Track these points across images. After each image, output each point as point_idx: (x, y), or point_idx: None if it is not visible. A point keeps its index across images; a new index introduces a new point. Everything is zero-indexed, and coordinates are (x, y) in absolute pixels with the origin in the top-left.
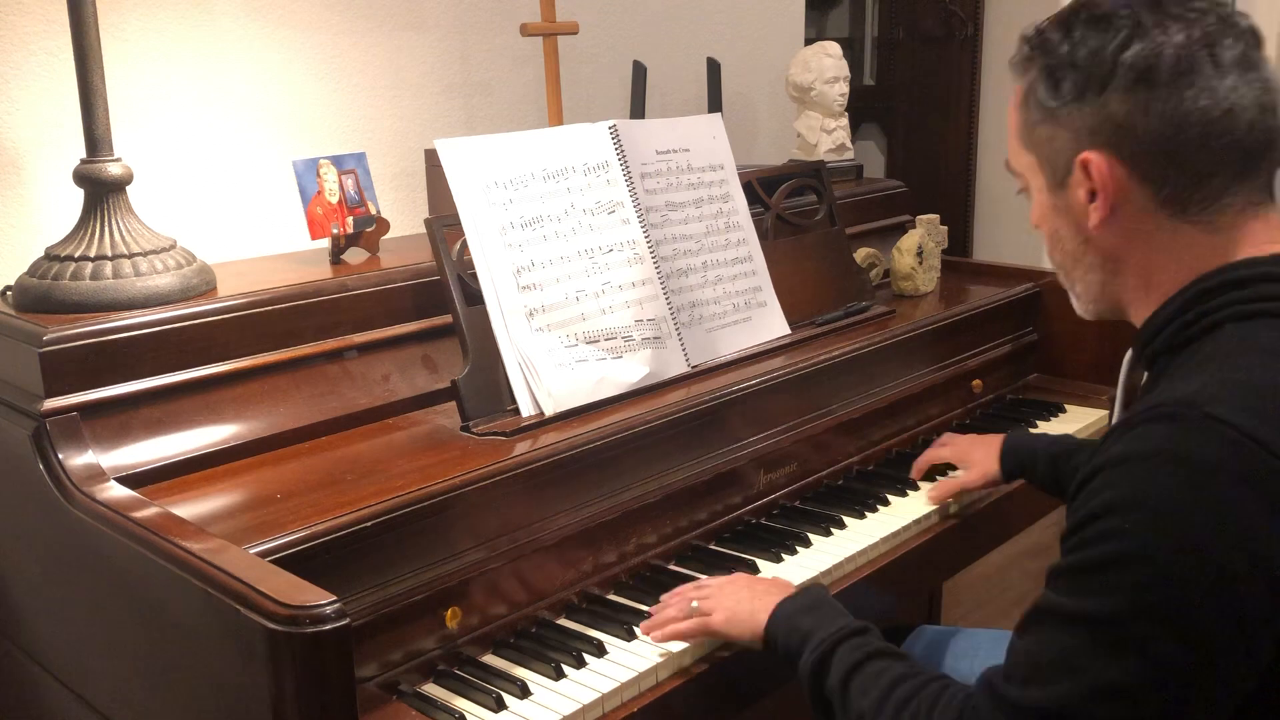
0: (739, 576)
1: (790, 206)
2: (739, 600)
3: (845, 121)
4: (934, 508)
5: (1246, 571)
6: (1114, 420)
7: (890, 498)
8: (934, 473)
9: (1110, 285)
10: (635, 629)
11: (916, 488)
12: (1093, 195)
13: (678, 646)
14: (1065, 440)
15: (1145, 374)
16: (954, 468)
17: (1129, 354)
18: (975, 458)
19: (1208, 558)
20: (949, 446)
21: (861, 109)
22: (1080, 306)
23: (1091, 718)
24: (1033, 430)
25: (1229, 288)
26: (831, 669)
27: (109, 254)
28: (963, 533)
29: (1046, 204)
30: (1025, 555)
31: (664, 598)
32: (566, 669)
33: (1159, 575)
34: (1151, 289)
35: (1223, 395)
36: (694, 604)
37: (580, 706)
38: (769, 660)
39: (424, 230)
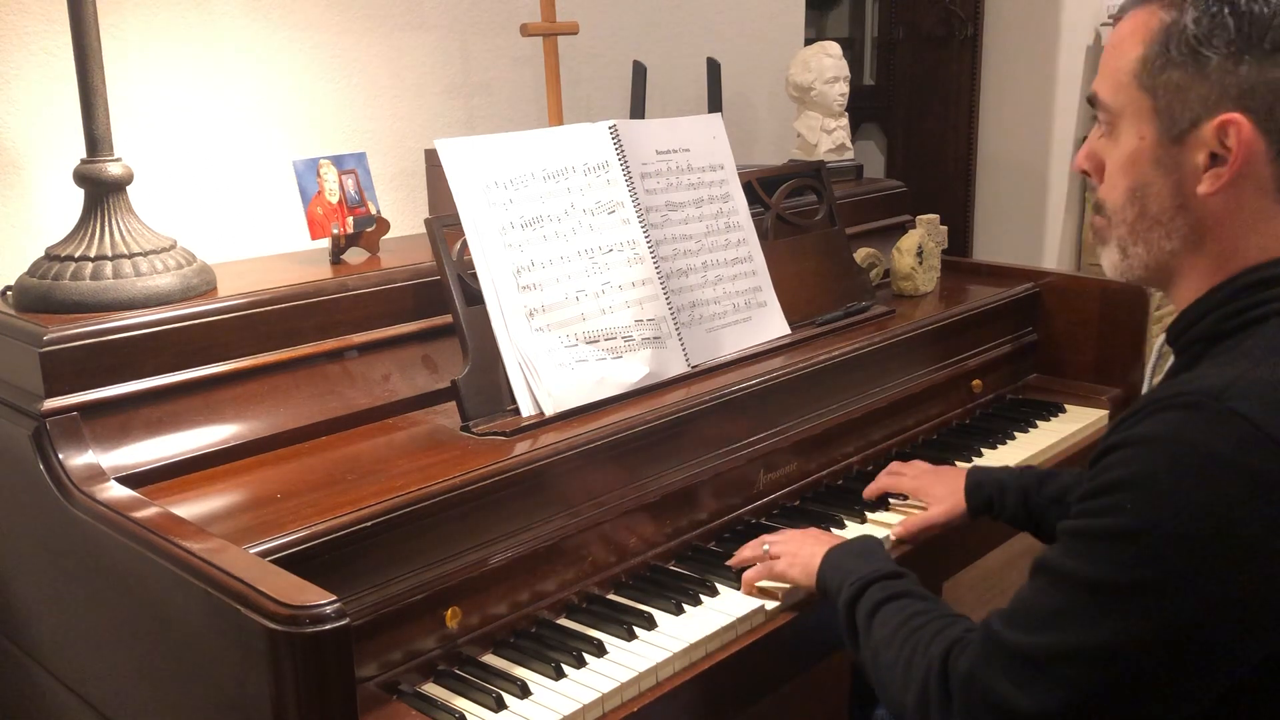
0: (808, 529)
1: (790, 206)
2: (801, 546)
3: (845, 121)
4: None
5: (1240, 567)
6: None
7: (890, 499)
8: (886, 497)
9: (1180, 256)
10: (635, 629)
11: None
12: (1214, 159)
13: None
14: (1033, 472)
15: (1173, 357)
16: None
17: (1160, 341)
18: (937, 494)
19: (1201, 548)
20: (906, 478)
21: (861, 109)
22: (1123, 267)
23: (1067, 672)
24: (1033, 430)
25: (1277, 281)
26: (861, 604)
27: (109, 254)
28: (963, 532)
29: (1145, 154)
30: (1024, 555)
31: (743, 548)
32: (566, 669)
33: (1152, 556)
34: (1217, 272)
35: (1250, 391)
36: (765, 547)
37: (580, 706)
38: (767, 657)
39: (424, 230)
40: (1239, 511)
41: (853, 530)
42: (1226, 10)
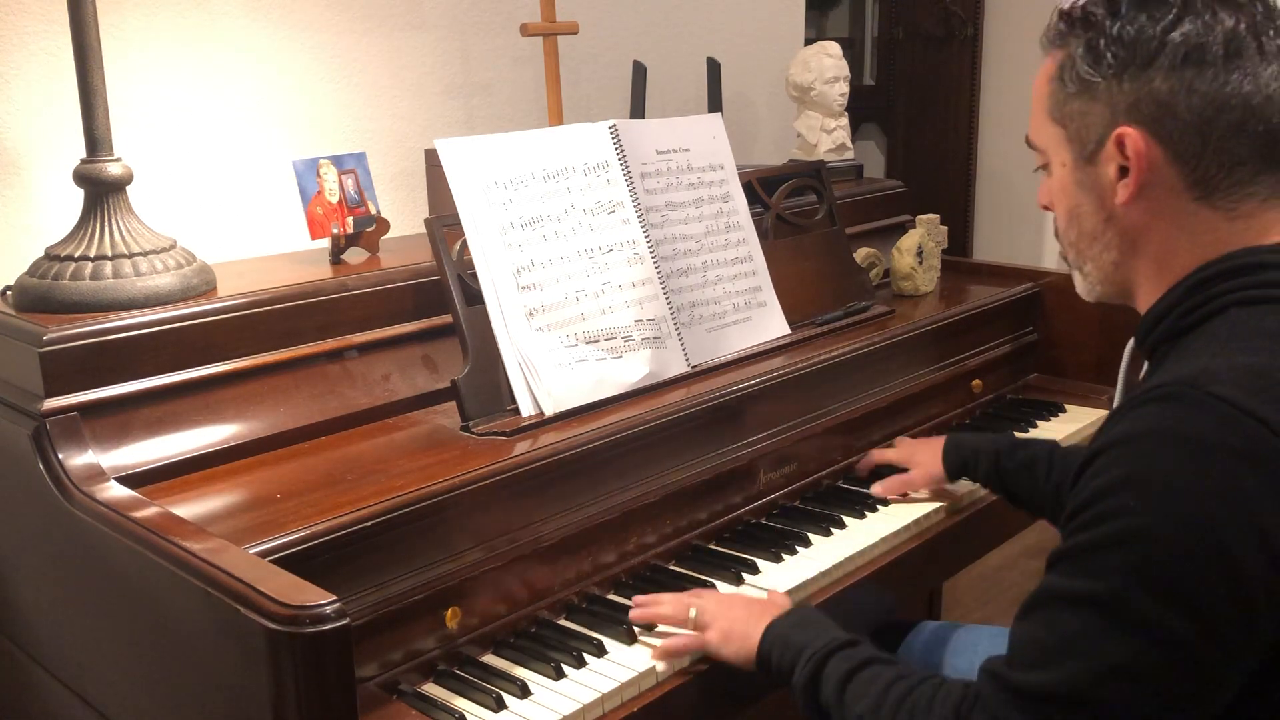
0: (735, 595)
1: (790, 206)
2: (734, 620)
3: (845, 121)
4: (935, 506)
5: (1248, 547)
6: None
7: (890, 498)
8: (883, 473)
9: (1124, 266)
10: (635, 629)
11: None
12: (1123, 172)
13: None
14: (1007, 438)
15: (1145, 364)
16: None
17: (1130, 344)
18: (920, 459)
19: (1209, 534)
20: (895, 449)
21: (861, 109)
22: (1086, 287)
23: (1100, 698)
24: (1033, 430)
25: (1231, 275)
26: (825, 680)
27: (109, 254)
28: (962, 532)
29: (1069, 179)
30: (1025, 555)
31: (649, 596)
32: (566, 669)
33: (1161, 553)
34: (1164, 273)
35: (1224, 375)
36: (692, 612)
37: (580, 706)
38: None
39: (424, 230)
40: (1233, 490)
41: (854, 528)
42: (1102, 40)
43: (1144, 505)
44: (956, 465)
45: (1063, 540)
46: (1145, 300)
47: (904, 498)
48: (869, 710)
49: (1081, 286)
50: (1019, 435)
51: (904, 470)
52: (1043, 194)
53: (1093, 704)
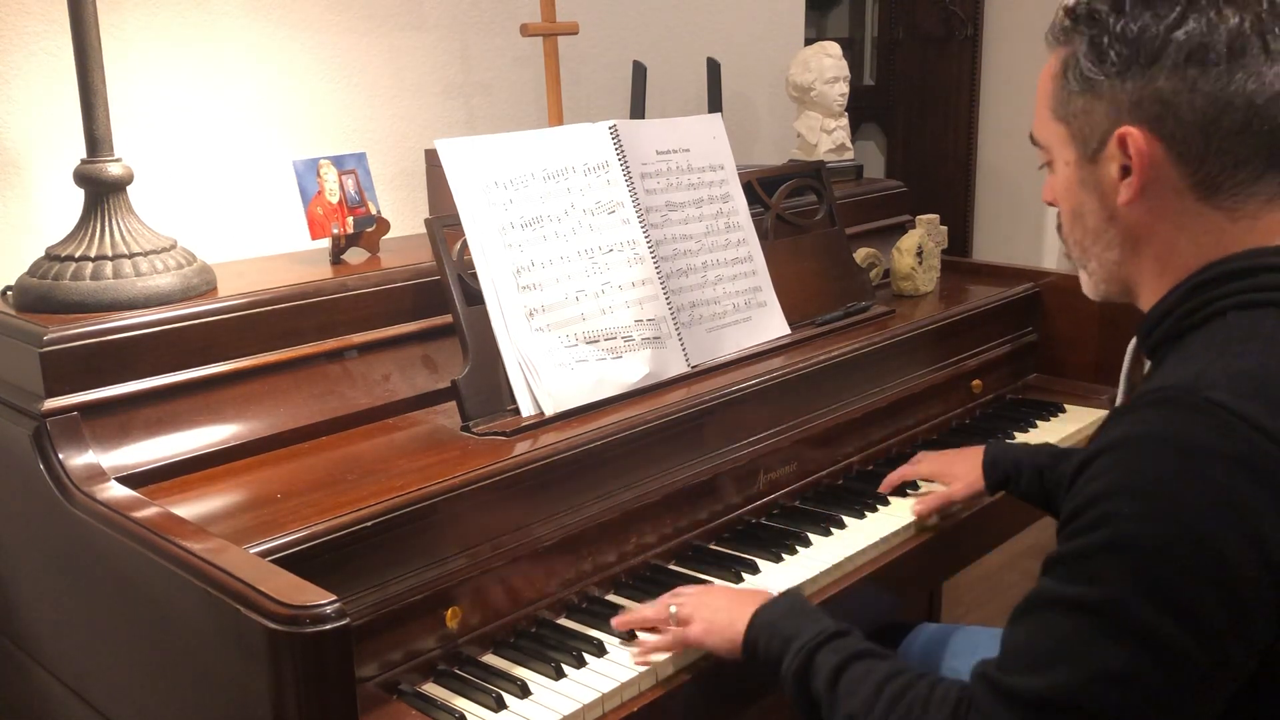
0: (716, 586)
1: (790, 206)
2: (717, 610)
3: (845, 121)
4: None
5: (1243, 554)
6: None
7: (890, 498)
8: (904, 488)
9: (1126, 265)
10: (635, 630)
11: (917, 487)
12: (1125, 171)
13: (662, 656)
14: (1048, 449)
15: (1148, 364)
16: (917, 485)
17: (1132, 344)
18: (957, 471)
19: (1204, 540)
20: (924, 464)
21: (861, 109)
22: (1090, 286)
23: (1094, 703)
24: (1033, 430)
25: (1231, 277)
26: (815, 672)
27: (109, 254)
28: (962, 533)
29: (1072, 178)
30: (1024, 555)
31: (640, 609)
32: (566, 669)
33: (1156, 559)
34: (1166, 272)
35: (1221, 380)
36: (672, 609)
37: (580, 706)
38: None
39: (424, 230)
40: (1229, 496)
41: (854, 528)
42: (1106, 38)
43: (1139, 511)
44: (998, 479)
45: (1058, 544)
46: (1148, 299)
47: (904, 496)
48: (862, 707)
49: (1087, 284)
50: (1059, 446)
51: (910, 480)
52: (1047, 191)
53: (1085, 709)
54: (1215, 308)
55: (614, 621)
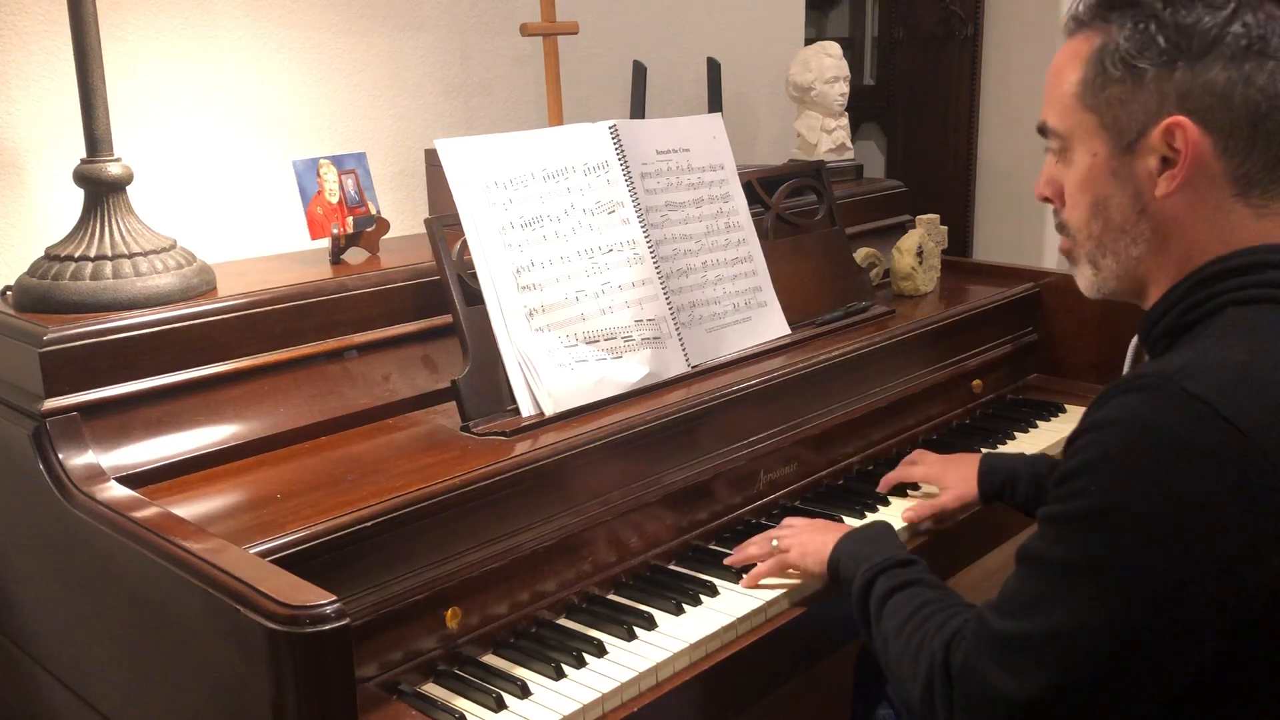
0: (815, 521)
1: (790, 206)
2: (812, 537)
3: (845, 121)
4: None
5: (1204, 539)
6: None
7: (890, 497)
8: (902, 488)
9: (1147, 261)
10: (635, 629)
11: (917, 487)
12: (1165, 163)
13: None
14: (1043, 459)
15: (1146, 359)
16: (918, 485)
17: (1134, 341)
18: (950, 479)
19: (1161, 522)
20: (920, 466)
21: (861, 109)
22: (1094, 283)
23: (1051, 655)
24: (1033, 430)
25: (1232, 273)
26: (873, 592)
27: (109, 254)
28: (964, 531)
29: (1100, 169)
30: None
31: (746, 542)
32: (566, 669)
33: (1116, 534)
34: (1185, 268)
35: (1201, 371)
36: (774, 543)
37: (580, 706)
38: (768, 657)
39: (424, 230)
40: (1194, 486)
41: (896, 504)
42: (1154, 25)
43: (1107, 489)
44: (993, 488)
45: (1048, 503)
46: (1156, 296)
47: (904, 497)
48: (895, 627)
49: (1090, 280)
50: (1052, 457)
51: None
52: (1045, 184)
53: (1053, 659)
54: (1215, 303)
55: (727, 560)
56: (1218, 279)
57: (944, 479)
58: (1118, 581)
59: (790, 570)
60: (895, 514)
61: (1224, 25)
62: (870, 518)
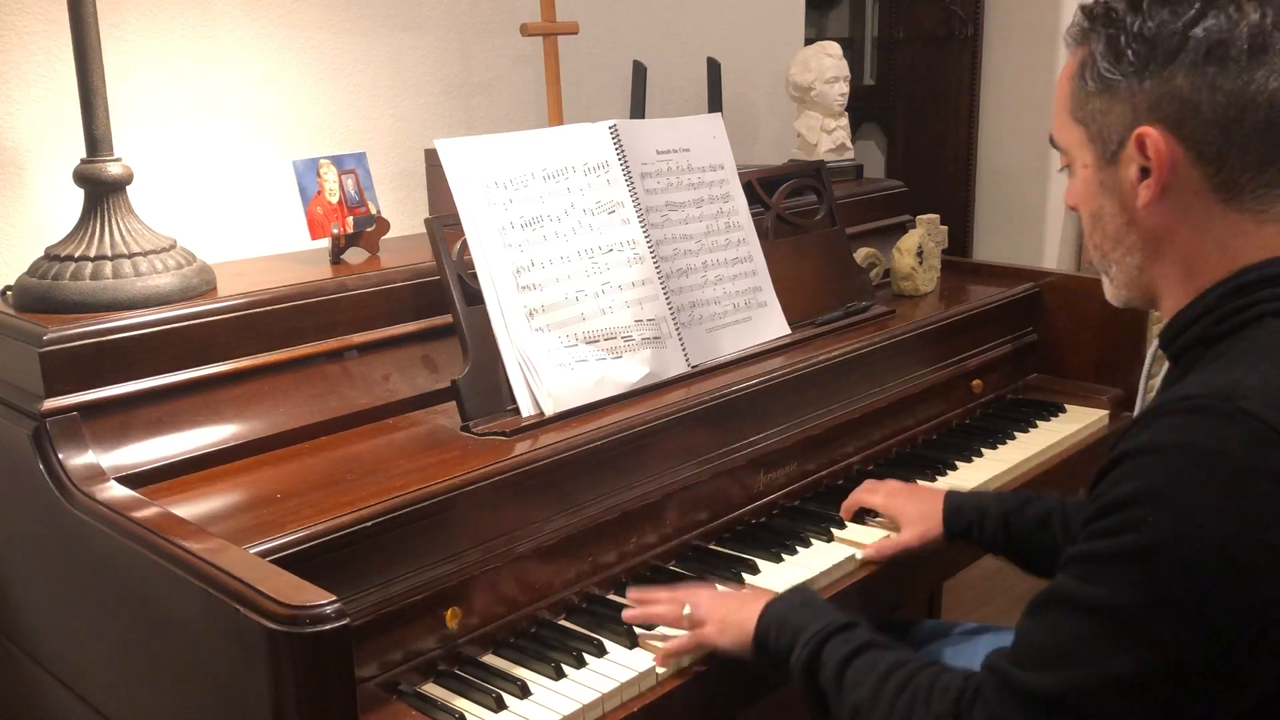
0: (727, 592)
1: (790, 206)
2: (729, 609)
3: (845, 121)
4: None
5: (1268, 570)
6: (1138, 411)
7: (873, 515)
8: (863, 513)
9: (1148, 270)
10: (636, 629)
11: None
12: (1144, 173)
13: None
14: (1013, 495)
15: (1167, 366)
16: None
17: (1152, 348)
18: (910, 514)
19: (1231, 555)
20: (879, 495)
21: (861, 109)
22: (1112, 292)
23: (1101, 707)
24: (1033, 430)
25: (1270, 282)
26: (824, 663)
27: (109, 254)
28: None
29: (1092, 181)
30: None
31: (644, 594)
32: (566, 669)
33: (1180, 571)
34: (1191, 277)
35: (1258, 390)
36: (686, 609)
37: (580, 706)
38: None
39: (424, 230)
40: (1261, 512)
41: (854, 528)
42: (1122, 37)
43: (1164, 521)
44: (960, 528)
45: (1080, 540)
46: (1171, 305)
47: (863, 524)
48: (867, 697)
49: (1109, 291)
50: (1023, 491)
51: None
52: (1069, 195)
53: (1091, 713)
54: (1252, 313)
55: (625, 615)
56: (1255, 287)
57: (905, 512)
58: (1178, 624)
59: (708, 646)
60: (877, 529)
61: (1185, 30)
62: (839, 536)
